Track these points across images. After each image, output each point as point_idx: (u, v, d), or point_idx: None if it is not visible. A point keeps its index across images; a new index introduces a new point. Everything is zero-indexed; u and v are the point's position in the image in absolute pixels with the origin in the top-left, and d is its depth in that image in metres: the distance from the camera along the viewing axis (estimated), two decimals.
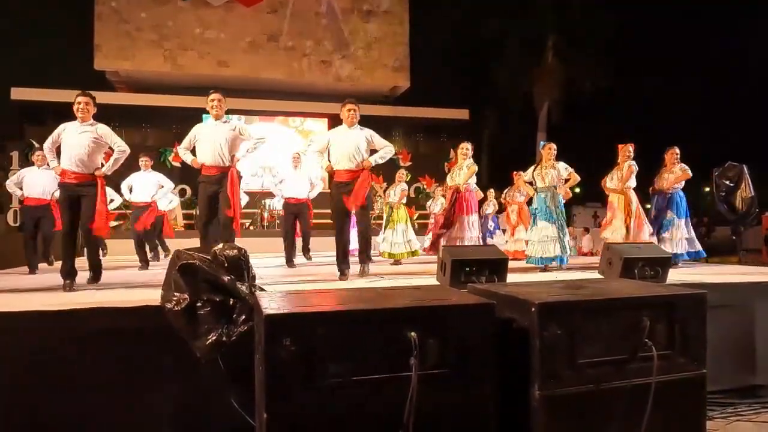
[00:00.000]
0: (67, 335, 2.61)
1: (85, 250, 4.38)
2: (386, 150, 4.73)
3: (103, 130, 4.25)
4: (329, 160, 4.68)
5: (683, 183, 5.65)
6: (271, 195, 9.21)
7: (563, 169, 5.54)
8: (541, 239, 5.33)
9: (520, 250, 7.37)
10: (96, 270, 4.33)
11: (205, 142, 4.53)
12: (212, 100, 4.56)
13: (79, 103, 4.13)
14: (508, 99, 19.15)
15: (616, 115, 18.28)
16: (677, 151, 5.70)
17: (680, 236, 5.49)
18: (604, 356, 2.10)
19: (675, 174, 5.64)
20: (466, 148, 5.92)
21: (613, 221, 5.66)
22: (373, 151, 4.73)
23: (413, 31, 16.38)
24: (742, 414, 3.27)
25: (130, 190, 6.53)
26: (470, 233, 5.60)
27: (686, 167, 5.61)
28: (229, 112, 4.83)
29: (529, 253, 5.47)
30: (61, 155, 4.14)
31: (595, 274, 4.16)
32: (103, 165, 4.29)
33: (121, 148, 4.35)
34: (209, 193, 4.48)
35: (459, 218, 5.63)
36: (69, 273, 3.95)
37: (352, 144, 4.61)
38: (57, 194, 6.17)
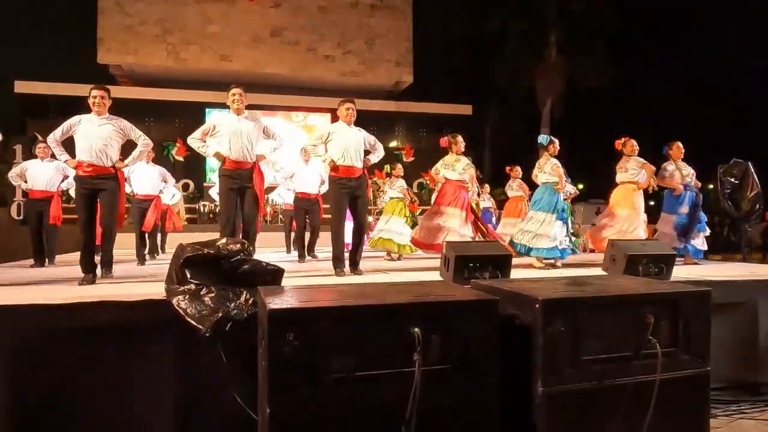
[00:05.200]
0: (72, 328, 2.61)
1: (102, 243, 4.27)
2: (380, 151, 4.88)
3: (124, 123, 4.26)
4: (329, 154, 4.60)
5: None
6: (273, 190, 9.18)
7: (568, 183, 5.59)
8: (537, 231, 5.21)
9: None
10: (111, 264, 4.31)
11: (230, 136, 4.40)
12: (233, 95, 4.46)
13: (95, 96, 4.11)
14: (511, 95, 19.10)
15: (619, 111, 18.21)
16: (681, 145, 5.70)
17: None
18: (608, 353, 2.10)
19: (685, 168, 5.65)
20: (461, 141, 5.90)
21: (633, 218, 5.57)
22: (366, 152, 4.78)
23: (416, 26, 16.34)
24: (745, 412, 3.27)
25: (129, 183, 6.43)
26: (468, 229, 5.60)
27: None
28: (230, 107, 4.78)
29: (518, 240, 5.29)
30: (76, 148, 4.09)
31: (598, 271, 4.15)
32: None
33: (145, 141, 4.39)
34: (234, 188, 4.40)
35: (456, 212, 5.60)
36: (90, 267, 3.95)
37: (356, 141, 4.63)
38: (64, 186, 6.22)
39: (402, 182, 7.30)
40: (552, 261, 5.30)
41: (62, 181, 6.20)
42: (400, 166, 7.62)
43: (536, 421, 2.03)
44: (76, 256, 4.10)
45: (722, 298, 3.39)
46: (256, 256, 2.81)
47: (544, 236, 5.13)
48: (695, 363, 2.22)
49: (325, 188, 6.87)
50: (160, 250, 7.88)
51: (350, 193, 4.54)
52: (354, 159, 4.56)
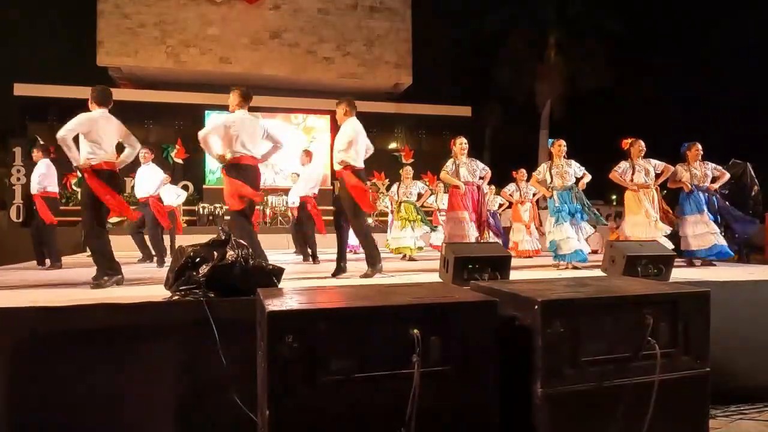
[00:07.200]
0: (72, 331, 2.61)
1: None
2: None
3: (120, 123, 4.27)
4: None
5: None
6: (274, 192, 9.19)
7: (578, 168, 5.51)
8: (570, 237, 5.21)
9: (536, 248, 7.59)
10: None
11: (248, 135, 4.34)
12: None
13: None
14: (511, 96, 19.10)
15: (618, 113, 18.22)
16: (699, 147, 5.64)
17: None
18: (607, 354, 2.10)
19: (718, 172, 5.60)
20: (465, 143, 5.88)
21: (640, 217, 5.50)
22: None
23: (415, 27, 16.35)
24: (745, 413, 3.27)
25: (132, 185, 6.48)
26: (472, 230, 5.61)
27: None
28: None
29: (561, 251, 5.27)
30: (92, 146, 3.94)
31: (598, 272, 4.15)
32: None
33: (134, 141, 4.45)
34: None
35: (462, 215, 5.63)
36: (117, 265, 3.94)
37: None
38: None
39: (420, 185, 7.45)
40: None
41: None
42: (409, 168, 7.70)
43: (536, 423, 2.03)
44: (73, 259, 4.06)
45: (722, 298, 3.38)
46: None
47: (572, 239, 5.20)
48: (695, 364, 2.23)
49: (315, 190, 6.91)
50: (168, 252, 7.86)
51: None
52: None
